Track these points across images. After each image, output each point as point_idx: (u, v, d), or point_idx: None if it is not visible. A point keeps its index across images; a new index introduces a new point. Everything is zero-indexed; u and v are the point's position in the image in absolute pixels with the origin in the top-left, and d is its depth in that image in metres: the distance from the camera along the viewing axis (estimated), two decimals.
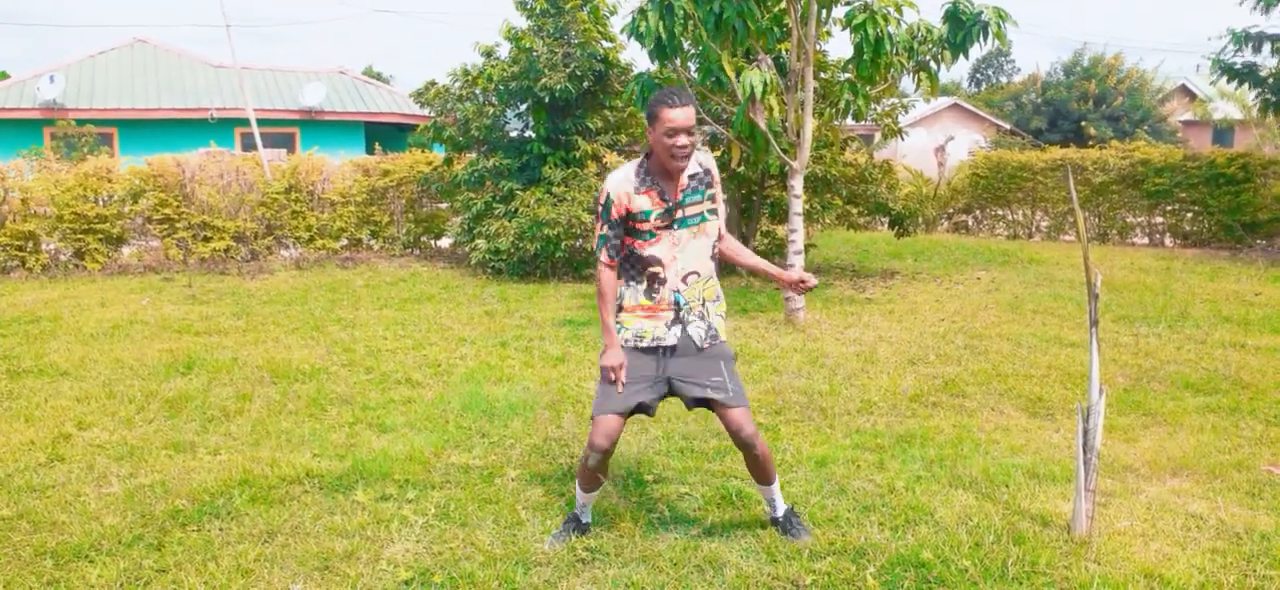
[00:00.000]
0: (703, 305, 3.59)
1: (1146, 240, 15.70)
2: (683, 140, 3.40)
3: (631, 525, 3.86)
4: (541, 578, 3.44)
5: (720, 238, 3.71)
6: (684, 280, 3.56)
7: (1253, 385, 6.13)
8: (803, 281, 3.64)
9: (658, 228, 3.53)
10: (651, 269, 3.54)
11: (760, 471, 3.70)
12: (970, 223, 17.91)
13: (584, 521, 3.81)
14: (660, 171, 3.52)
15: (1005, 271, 11.88)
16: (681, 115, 3.38)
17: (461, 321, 8.43)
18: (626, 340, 3.58)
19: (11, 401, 5.74)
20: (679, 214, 3.53)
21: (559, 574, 3.46)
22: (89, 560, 3.57)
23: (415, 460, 4.62)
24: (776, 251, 11.81)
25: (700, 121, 9.33)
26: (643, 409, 3.60)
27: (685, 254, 3.57)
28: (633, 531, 3.80)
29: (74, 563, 3.55)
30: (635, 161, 3.58)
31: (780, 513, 3.81)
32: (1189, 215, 15.19)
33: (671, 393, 3.63)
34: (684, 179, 3.53)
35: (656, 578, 3.43)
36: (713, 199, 3.63)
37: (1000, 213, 17.42)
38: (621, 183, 3.51)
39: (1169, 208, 15.36)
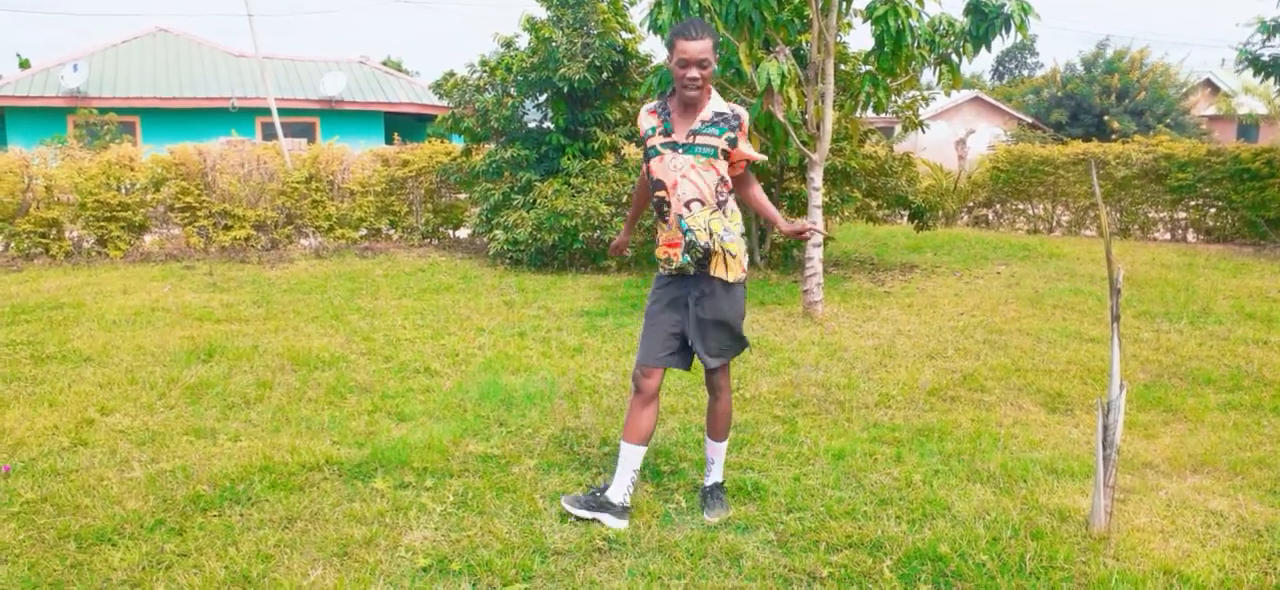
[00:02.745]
0: (710, 235, 3.67)
1: (1169, 235, 15.56)
2: (693, 72, 3.55)
3: (648, 516, 3.87)
4: (559, 566, 3.45)
5: (746, 183, 3.91)
6: (687, 206, 3.67)
7: (1275, 383, 6.07)
8: (803, 231, 3.89)
9: (661, 146, 3.72)
10: (659, 193, 3.74)
11: (716, 425, 3.93)
12: (990, 217, 17.79)
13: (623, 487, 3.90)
14: (680, 104, 3.71)
15: (1025, 266, 11.80)
16: (695, 47, 3.52)
17: (480, 311, 8.46)
18: (660, 271, 3.85)
19: (35, 386, 5.81)
20: (687, 140, 3.68)
21: (576, 563, 3.48)
22: (112, 543, 3.61)
23: (434, 449, 4.64)
24: (795, 244, 11.78)
25: None
26: (676, 363, 3.84)
27: (687, 181, 3.68)
28: (650, 522, 3.81)
29: (97, 546, 3.60)
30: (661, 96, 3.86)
31: (710, 481, 3.99)
32: (1212, 210, 15.02)
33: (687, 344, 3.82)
34: (709, 112, 3.69)
35: (673, 568, 3.44)
36: (731, 141, 3.72)
37: (1021, 207, 17.28)
38: (645, 105, 3.84)
39: (1192, 203, 15.19)
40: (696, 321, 3.74)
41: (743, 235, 3.79)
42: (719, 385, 3.88)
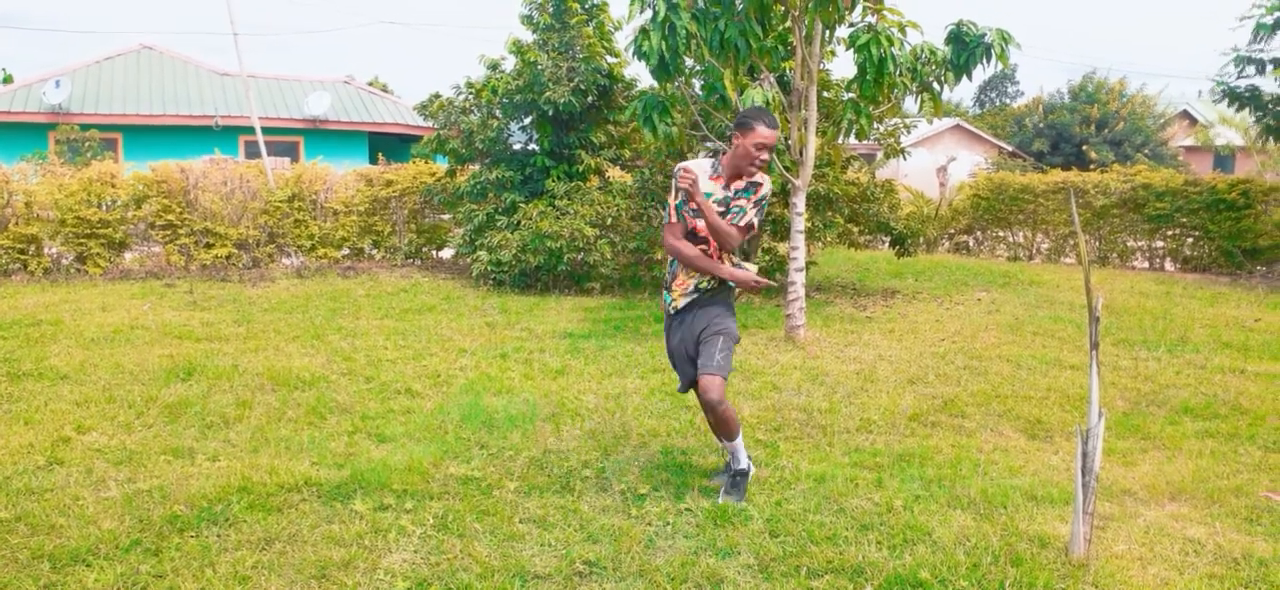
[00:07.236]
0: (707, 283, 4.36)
1: (1147, 264, 15.72)
2: (766, 155, 4.18)
3: (630, 540, 3.86)
4: None
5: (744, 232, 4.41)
6: (720, 258, 4.34)
7: (1252, 411, 6.14)
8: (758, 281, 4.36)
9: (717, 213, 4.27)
10: (702, 247, 4.30)
11: (718, 430, 4.32)
12: (971, 243, 17.93)
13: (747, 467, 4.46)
14: (731, 172, 4.26)
15: (1005, 293, 11.89)
16: (773, 135, 4.16)
17: (462, 333, 8.44)
18: (665, 310, 4.51)
19: (11, 404, 5.74)
20: (732, 205, 4.27)
21: (557, 587, 3.46)
22: (86, 564, 3.57)
23: (414, 470, 4.62)
24: (778, 268, 11.82)
25: (702, 137, 9.36)
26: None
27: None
28: (631, 546, 3.80)
29: (71, 567, 3.55)
30: (711, 158, 4.41)
31: (742, 465, 4.40)
32: (1190, 240, 15.20)
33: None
34: (742, 181, 4.28)
35: None
36: (753, 206, 4.31)
37: (1001, 234, 17.43)
38: (696, 167, 4.27)
39: (1170, 232, 15.37)
40: (703, 340, 4.28)
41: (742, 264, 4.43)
42: (713, 403, 4.17)
